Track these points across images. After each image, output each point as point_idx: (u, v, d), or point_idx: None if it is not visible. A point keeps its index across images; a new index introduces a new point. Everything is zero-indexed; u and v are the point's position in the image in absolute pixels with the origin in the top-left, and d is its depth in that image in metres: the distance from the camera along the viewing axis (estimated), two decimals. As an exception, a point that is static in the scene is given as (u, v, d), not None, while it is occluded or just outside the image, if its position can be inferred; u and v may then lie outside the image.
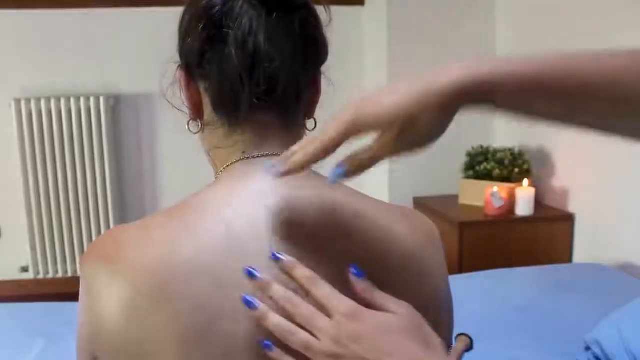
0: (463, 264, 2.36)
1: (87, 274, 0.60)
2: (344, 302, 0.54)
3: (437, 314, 0.67)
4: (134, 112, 3.01)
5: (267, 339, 0.55)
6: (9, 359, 1.54)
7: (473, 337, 1.60)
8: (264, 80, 0.62)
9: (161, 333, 0.55)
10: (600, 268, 2.07)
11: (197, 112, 0.67)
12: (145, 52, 2.92)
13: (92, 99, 2.87)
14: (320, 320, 0.54)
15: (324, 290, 0.55)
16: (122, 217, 3.03)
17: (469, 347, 1.58)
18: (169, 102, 0.71)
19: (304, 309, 0.55)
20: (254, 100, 0.62)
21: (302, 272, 0.56)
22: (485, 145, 2.65)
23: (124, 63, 2.97)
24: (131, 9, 2.92)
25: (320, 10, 0.67)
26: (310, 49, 0.65)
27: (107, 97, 2.89)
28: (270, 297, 0.55)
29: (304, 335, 0.54)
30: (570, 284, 1.91)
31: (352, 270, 0.57)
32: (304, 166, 0.54)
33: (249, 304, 0.55)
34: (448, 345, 0.70)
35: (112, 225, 2.97)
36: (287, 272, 0.57)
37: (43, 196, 2.90)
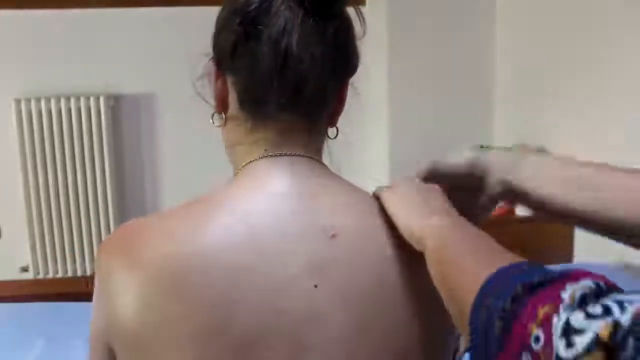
0: (463, 263, 2.35)
1: (103, 264, 0.61)
2: None
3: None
4: (134, 112, 3.01)
5: None
6: (9, 359, 1.54)
7: (473, 337, 1.60)
8: (292, 82, 0.62)
9: (176, 325, 0.56)
10: (600, 268, 2.07)
11: (222, 106, 0.68)
12: (145, 52, 2.92)
13: (92, 99, 2.87)
14: None
15: None
16: (122, 217, 3.03)
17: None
18: (199, 94, 0.70)
19: None
20: (281, 100, 0.63)
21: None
22: (485, 144, 2.64)
23: (124, 63, 2.96)
24: (131, 9, 2.91)
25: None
26: (341, 57, 0.66)
27: (107, 97, 2.89)
28: None
29: None
30: (571, 283, 1.91)
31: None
32: None
33: None
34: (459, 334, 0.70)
35: (112, 225, 2.98)
36: None
37: (43, 196, 2.90)
